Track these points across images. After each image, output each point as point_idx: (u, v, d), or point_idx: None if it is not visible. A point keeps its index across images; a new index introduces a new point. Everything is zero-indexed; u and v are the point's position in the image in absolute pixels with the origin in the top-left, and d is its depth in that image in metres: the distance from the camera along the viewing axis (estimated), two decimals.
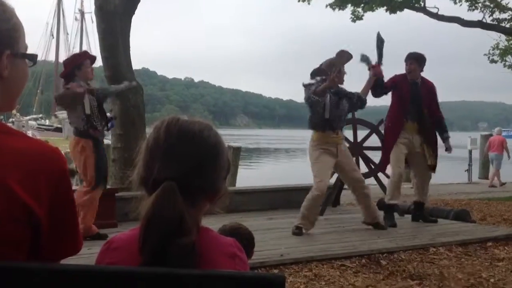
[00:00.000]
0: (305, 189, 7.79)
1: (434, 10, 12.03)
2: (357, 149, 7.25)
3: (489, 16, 12.11)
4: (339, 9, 12.34)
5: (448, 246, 5.08)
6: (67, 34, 48.96)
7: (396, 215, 6.40)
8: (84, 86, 4.95)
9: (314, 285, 3.90)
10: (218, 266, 1.05)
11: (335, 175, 7.29)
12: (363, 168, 7.19)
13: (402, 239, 5.29)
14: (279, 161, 31.49)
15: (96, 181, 4.88)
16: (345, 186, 8.06)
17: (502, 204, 8.62)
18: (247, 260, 1.15)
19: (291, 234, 5.35)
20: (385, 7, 11.99)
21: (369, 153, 9.29)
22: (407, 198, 7.66)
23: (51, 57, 48.93)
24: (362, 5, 12.19)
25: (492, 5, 12.01)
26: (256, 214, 6.63)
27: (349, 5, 12.30)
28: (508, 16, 12.25)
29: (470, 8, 12.17)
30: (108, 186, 5.57)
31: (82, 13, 48.82)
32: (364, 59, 5.77)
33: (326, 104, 5.36)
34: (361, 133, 7.46)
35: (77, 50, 49.48)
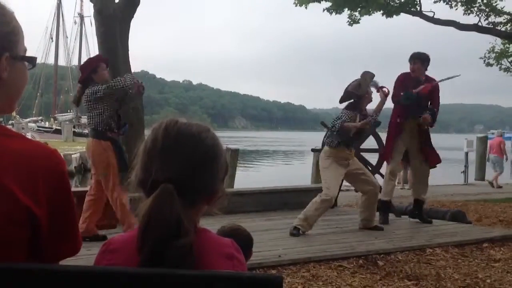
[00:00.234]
0: (302, 191, 7.83)
1: (430, 14, 12.06)
2: (354, 151, 7.27)
3: (484, 20, 12.16)
4: (336, 13, 12.35)
5: (445, 247, 5.10)
6: (67, 37, 49.05)
7: (393, 216, 6.43)
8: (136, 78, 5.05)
9: (312, 286, 3.92)
10: (215, 267, 1.06)
11: None
12: None
13: (399, 240, 5.31)
14: (277, 163, 31.48)
15: (122, 181, 4.92)
16: (342, 188, 8.09)
17: (498, 205, 8.65)
18: (245, 261, 1.16)
19: (288, 235, 5.36)
20: (381, 11, 12.02)
21: (365, 155, 9.31)
22: (404, 199, 7.68)
23: (51, 60, 48.98)
24: (359, 9, 12.21)
25: (487, 9, 12.05)
26: (254, 215, 6.64)
27: (346, 9, 12.32)
28: (504, 19, 12.29)
29: (466, 12, 12.21)
30: None
31: (81, 17, 48.84)
32: (373, 83, 5.89)
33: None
34: None
35: (76, 53, 49.56)
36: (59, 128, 38.96)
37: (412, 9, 12.14)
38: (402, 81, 6.14)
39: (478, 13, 12.09)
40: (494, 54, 13.09)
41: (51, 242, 1.06)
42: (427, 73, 6.22)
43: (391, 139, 6.21)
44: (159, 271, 0.99)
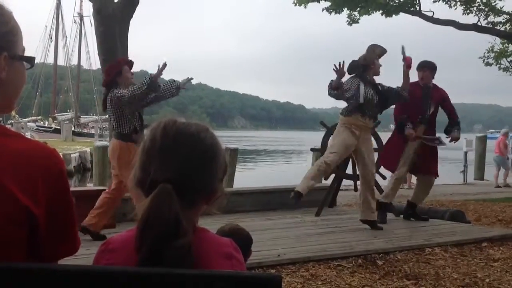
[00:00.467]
0: None
1: (430, 14, 12.08)
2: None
3: (483, 20, 12.17)
4: (336, 12, 12.36)
5: (444, 246, 5.10)
6: (66, 37, 49.01)
7: (392, 215, 6.44)
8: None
9: (311, 285, 3.92)
10: (214, 266, 1.06)
11: (332, 177, 7.31)
12: None
13: (398, 240, 5.32)
14: (276, 163, 31.49)
15: None
16: (341, 187, 8.08)
17: (497, 205, 8.65)
18: (244, 261, 1.16)
19: (288, 235, 5.37)
20: (381, 11, 12.03)
21: None
22: (403, 199, 7.68)
23: (50, 60, 48.93)
24: (358, 8, 12.21)
25: (486, 9, 12.07)
26: (253, 215, 6.65)
27: (345, 9, 12.33)
28: (503, 19, 12.31)
29: (465, 11, 12.22)
30: (106, 187, 5.60)
31: (81, 17, 48.79)
32: (402, 50, 6.00)
33: (361, 90, 5.65)
34: None
35: (75, 53, 49.55)
36: (58, 127, 38.97)
37: (412, 9, 12.15)
38: (411, 92, 6.13)
39: (477, 13, 12.11)
40: (493, 54, 13.10)
41: (49, 241, 1.06)
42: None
43: (397, 145, 6.22)
44: (158, 271, 0.99)
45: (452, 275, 4.28)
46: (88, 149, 21.92)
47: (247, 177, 16.90)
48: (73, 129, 38.80)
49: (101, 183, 10.21)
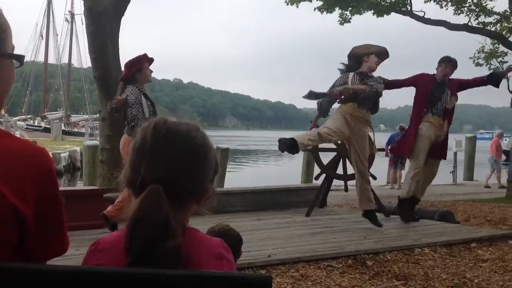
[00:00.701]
0: (292, 190, 7.85)
1: (421, 14, 12.13)
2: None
3: (474, 20, 12.25)
4: (327, 12, 12.39)
5: (433, 246, 5.14)
6: (57, 35, 48.59)
7: (382, 216, 6.47)
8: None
9: (301, 286, 3.92)
10: (205, 266, 1.05)
11: (322, 177, 7.33)
12: None
13: (388, 240, 5.34)
14: (267, 163, 31.50)
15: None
16: (331, 187, 8.10)
17: (486, 205, 8.73)
18: (234, 261, 1.16)
19: (278, 235, 5.38)
20: (372, 11, 12.07)
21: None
22: (393, 199, 7.72)
23: (40, 58, 48.53)
24: (350, 8, 12.25)
25: (477, 9, 12.15)
26: (244, 215, 6.65)
27: (337, 8, 12.36)
28: (493, 19, 12.39)
29: (456, 12, 12.30)
30: (96, 187, 5.57)
31: (72, 15, 48.47)
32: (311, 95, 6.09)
33: (349, 82, 5.82)
34: None
35: (66, 51, 49.20)
36: (48, 126, 38.67)
37: (403, 9, 12.19)
38: (413, 82, 6.22)
39: (468, 13, 12.18)
40: (484, 54, 13.17)
41: (38, 241, 1.05)
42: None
43: (411, 135, 6.19)
44: (148, 271, 0.98)
45: (441, 276, 4.30)
46: (78, 148, 21.81)
47: (238, 177, 16.89)
48: (63, 128, 38.54)
49: (91, 182, 10.13)
